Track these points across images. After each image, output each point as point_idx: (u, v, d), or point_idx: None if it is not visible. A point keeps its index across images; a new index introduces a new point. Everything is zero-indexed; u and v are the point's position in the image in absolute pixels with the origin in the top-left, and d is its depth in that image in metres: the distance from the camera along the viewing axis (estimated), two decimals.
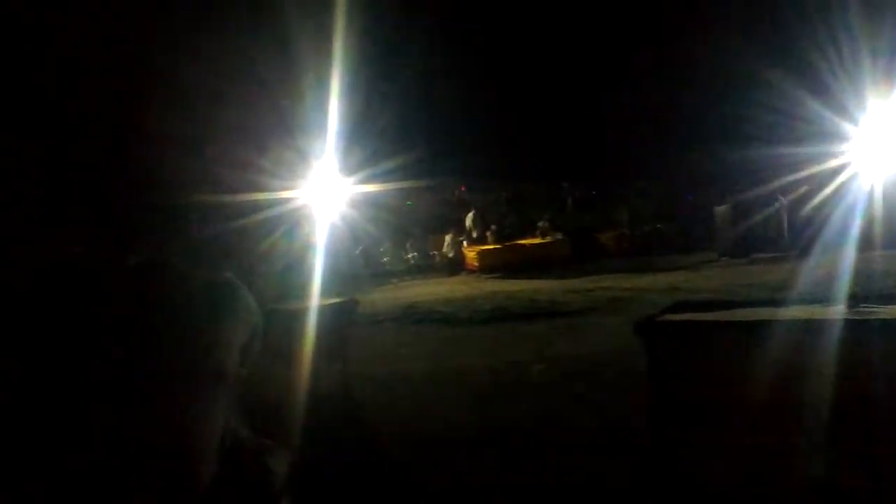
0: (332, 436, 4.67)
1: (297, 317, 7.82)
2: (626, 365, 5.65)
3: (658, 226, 20.05)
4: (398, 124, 16.97)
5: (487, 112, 19.16)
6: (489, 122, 19.22)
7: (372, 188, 16.69)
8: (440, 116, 18.40)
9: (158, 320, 1.29)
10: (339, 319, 7.79)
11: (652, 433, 4.00)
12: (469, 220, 18.84)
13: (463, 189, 20.70)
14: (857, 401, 3.34)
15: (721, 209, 17.18)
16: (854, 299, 3.93)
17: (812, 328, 3.51)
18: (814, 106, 13.06)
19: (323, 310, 7.96)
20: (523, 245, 17.80)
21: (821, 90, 13.13)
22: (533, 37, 19.47)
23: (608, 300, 10.58)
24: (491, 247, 17.64)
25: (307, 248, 13.64)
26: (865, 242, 11.27)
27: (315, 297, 8.92)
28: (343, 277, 13.68)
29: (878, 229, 11.91)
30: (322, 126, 14.31)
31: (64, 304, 1.26)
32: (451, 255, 18.58)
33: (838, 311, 3.77)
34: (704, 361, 3.77)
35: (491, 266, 16.67)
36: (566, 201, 20.27)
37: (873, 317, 3.56)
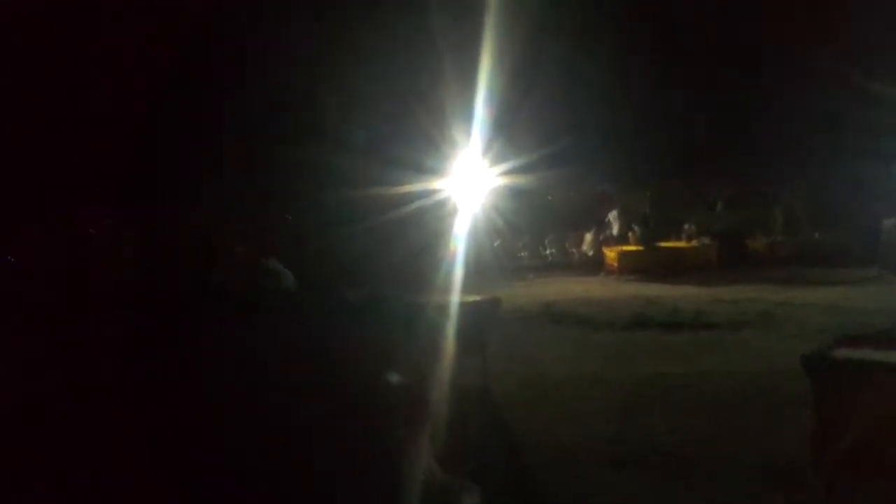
0: (473, 441, 4.77)
1: (441, 312, 8.03)
2: (780, 391, 5.42)
3: (815, 234, 18.81)
4: (543, 117, 16.87)
5: (633, 106, 18.62)
6: (635, 117, 18.66)
7: (514, 180, 16.75)
8: (586, 110, 18.09)
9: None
10: (482, 317, 7.93)
11: (813, 472, 3.83)
12: (611, 218, 18.50)
13: (608, 187, 20.32)
14: None
15: (890, 222, 15.89)
16: None
17: None
18: None
19: (467, 306, 8.13)
20: (667, 248, 17.24)
21: None
22: (686, 30, 18.68)
23: (759, 314, 10.08)
24: (633, 248, 17.21)
25: (450, 239, 13.95)
26: None
27: (458, 292, 9.13)
28: (482, 270, 13.83)
29: None
30: (467, 118, 14.57)
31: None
32: (590, 253, 18.33)
33: None
34: (879, 405, 3.55)
35: (632, 268, 16.28)
36: (715, 202, 19.38)
37: None
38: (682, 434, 4.98)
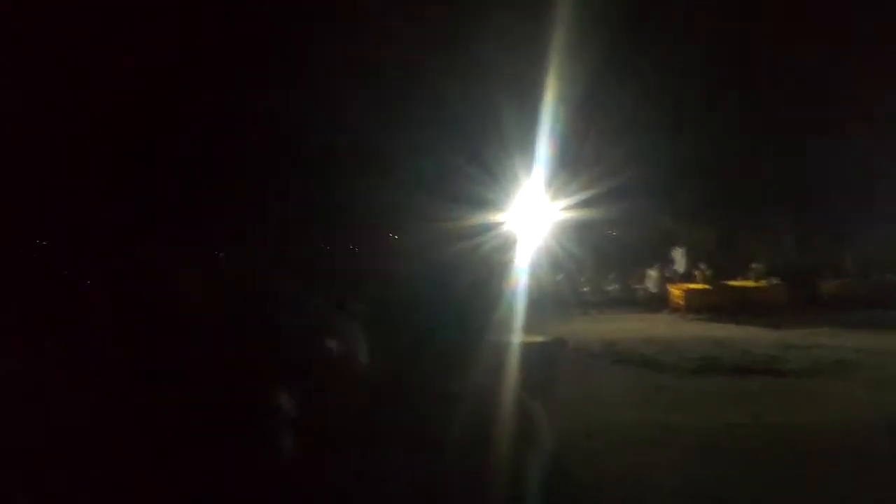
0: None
1: (507, 351, 8.04)
2: (861, 448, 5.25)
3: (888, 275, 18.12)
4: (607, 150, 16.83)
5: (699, 144, 18.40)
6: (700, 155, 18.43)
7: (577, 213, 16.69)
8: (650, 145, 17.95)
9: None
10: (547, 358, 7.91)
11: None
12: (677, 255, 18.21)
13: (672, 224, 20.05)
14: None
15: None
16: None
17: None
18: None
19: (532, 347, 8.12)
20: (735, 287, 16.84)
21: None
22: (761, 69, 18.46)
23: (834, 361, 9.76)
24: (699, 286, 16.89)
25: (513, 274, 14.00)
26: None
27: (523, 331, 9.12)
28: (544, 306, 13.78)
29: None
30: (531, 150, 14.64)
31: None
32: (654, 290, 18.06)
33: None
34: None
35: (697, 307, 15.98)
36: (784, 241, 18.90)
37: None
38: (755, 492, 4.86)
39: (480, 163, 15.37)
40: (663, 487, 4.88)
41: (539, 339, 8.80)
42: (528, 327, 8.86)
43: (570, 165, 15.99)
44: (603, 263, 19.40)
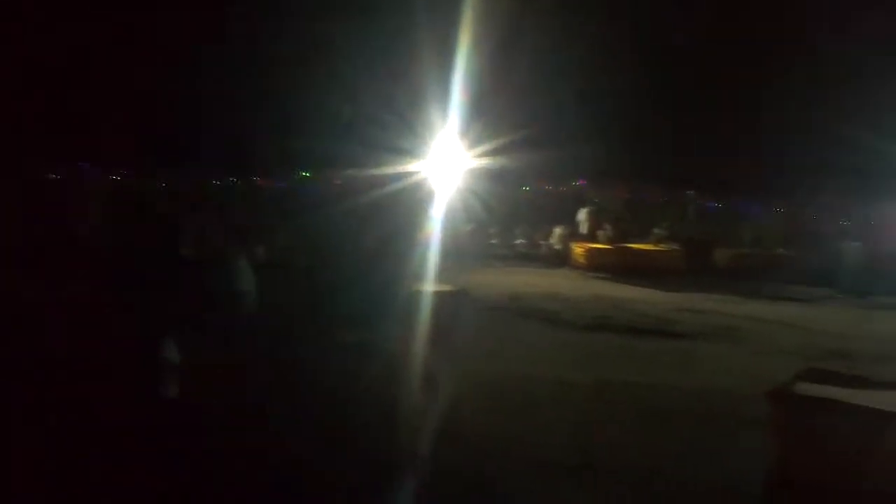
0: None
1: (414, 301, 7.99)
2: (742, 413, 5.48)
3: (780, 251, 19.14)
4: (523, 104, 16.82)
5: (618, 108, 18.71)
6: (619, 119, 18.77)
7: (491, 162, 16.65)
8: (570, 107, 18.11)
9: None
10: (451, 308, 7.91)
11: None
12: (582, 215, 18.58)
13: (582, 183, 20.40)
14: None
15: (849, 246, 16.31)
16: None
17: None
18: None
19: (437, 296, 8.09)
20: (635, 250, 17.35)
21: None
22: (677, 38, 18.79)
23: (723, 327, 10.22)
24: (601, 246, 17.33)
25: (427, 223, 13.90)
26: None
27: (431, 279, 9.09)
28: (452, 254, 13.80)
29: None
30: (446, 99, 14.44)
31: None
32: (558, 247, 18.41)
33: None
34: (837, 443, 3.62)
35: (598, 265, 16.38)
36: (687, 211, 19.63)
37: None
38: (640, 447, 5.04)
39: (394, 110, 15.10)
40: (555, 444, 4.98)
41: (445, 288, 8.80)
42: (436, 276, 8.82)
43: (485, 115, 15.88)
44: (512, 217, 19.59)
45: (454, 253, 14.22)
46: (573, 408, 5.90)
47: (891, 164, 15.43)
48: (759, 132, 19.02)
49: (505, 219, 19.37)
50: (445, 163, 16.37)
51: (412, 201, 13.31)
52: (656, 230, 18.39)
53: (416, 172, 14.93)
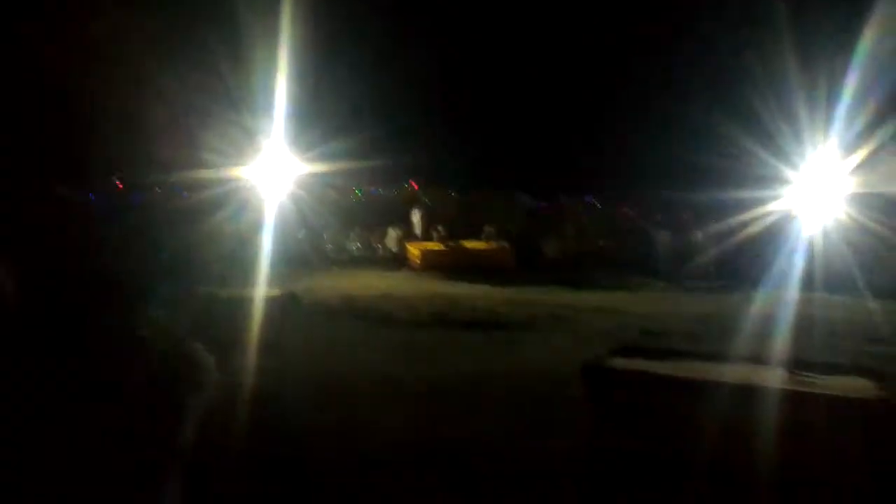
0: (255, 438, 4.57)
1: (236, 305, 7.65)
2: (564, 393, 5.66)
3: (601, 243, 20.36)
4: (355, 111, 16.78)
5: (448, 113, 19.12)
6: (448, 124, 19.18)
7: (321, 169, 16.43)
8: (400, 110, 18.25)
9: None
10: (277, 313, 7.66)
11: (588, 473, 4.03)
12: (416, 217, 18.75)
13: (414, 186, 20.59)
14: (792, 467, 3.42)
15: (661, 235, 17.63)
16: (795, 364, 4.02)
17: (752, 394, 3.58)
18: (759, 152, 13.74)
19: (262, 301, 7.80)
20: (467, 248, 17.78)
21: (766, 138, 13.82)
22: (503, 45, 19.54)
23: (549, 316, 10.66)
24: (435, 247, 17.58)
25: (253, 228, 13.40)
26: (801, 284, 11.62)
27: (257, 285, 8.75)
28: (286, 261, 13.43)
29: (815, 272, 12.34)
30: (272, 104, 14.06)
31: None
32: (394, 249, 18.46)
33: (779, 376, 3.85)
34: (649, 413, 3.80)
35: (433, 265, 16.61)
36: (515, 210, 20.35)
37: (813, 388, 3.65)
38: (464, 429, 5.07)
39: (221, 113, 14.48)
40: (385, 437, 4.90)
41: (274, 293, 8.49)
42: (268, 282, 8.45)
43: (312, 120, 15.64)
44: (346, 221, 19.39)
45: (287, 259, 13.88)
46: (395, 400, 5.86)
47: (698, 158, 16.80)
48: (577, 133, 20.15)
49: (339, 223, 19.12)
50: (273, 169, 15.93)
51: (227, 207, 12.84)
52: (487, 229, 18.90)
53: (238, 178, 14.41)
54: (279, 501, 3.95)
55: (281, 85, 13.73)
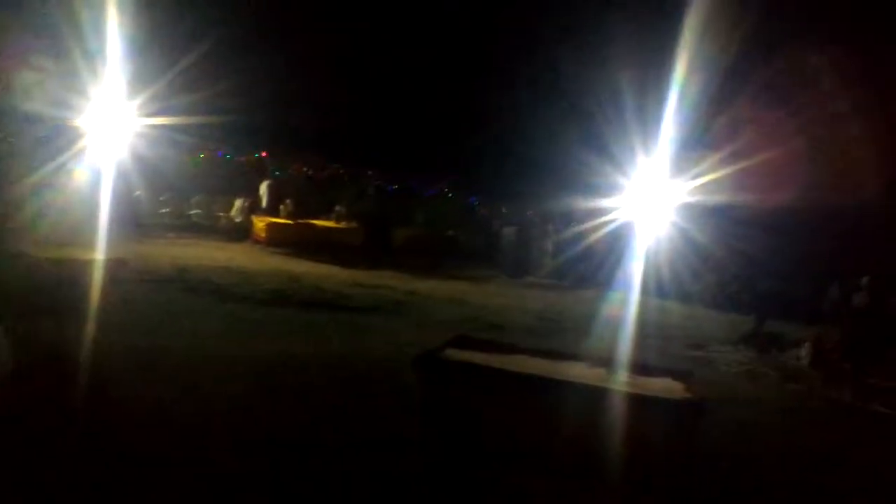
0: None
1: (57, 269, 7.07)
2: (398, 378, 5.68)
3: (451, 233, 20.72)
4: (206, 67, 15.82)
5: (306, 82, 18.55)
6: (307, 93, 18.62)
7: (163, 122, 15.25)
8: (253, 73, 17.46)
9: None
10: (103, 279, 7.15)
11: (421, 461, 4.06)
12: (263, 188, 18.09)
13: (265, 156, 19.90)
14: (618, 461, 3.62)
15: (508, 230, 18.21)
16: (618, 365, 4.26)
17: (573, 390, 3.76)
18: (601, 161, 14.56)
19: (86, 265, 7.25)
20: (316, 225, 17.42)
21: (607, 147, 14.65)
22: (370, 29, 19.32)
23: (393, 302, 10.70)
24: (282, 221, 17.09)
25: (82, 184, 12.34)
26: (639, 288, 12.36)
27: (83, 246, 8.11)
28: (117, 222, 12.47)
29: (650, 278, 13.20)
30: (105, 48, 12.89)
31: None
32: (238, 220, 17.75)
33: (600, 375, 4.07)
34: (480, 406, 3.88)
35: (279, 240, 16.15)
36: (367, 190, 20.17)
37: (629, 388, 3.88)
38: (294, 415, 4.96)
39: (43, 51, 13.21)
40: (204, 414, 4.68)
41: (100, 257, 7.89)
42: (95, 245, 7.87)
43: (156, 70, 14.48)
44: (187, 186, 18.34)
45: (119, 221, 12.90)
46: (227, 379, 5.64)
47: (548, 158, 17.46)
48: (437, 123, 20.32)
49: (178, 187, 18.03)
50: (109, 119, 14.59)
51: (55, 158, 11.80)
52: (338, 207, 18.64)
53: (66, 125, 13.14)
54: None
55: (114, 25, 12.44)
